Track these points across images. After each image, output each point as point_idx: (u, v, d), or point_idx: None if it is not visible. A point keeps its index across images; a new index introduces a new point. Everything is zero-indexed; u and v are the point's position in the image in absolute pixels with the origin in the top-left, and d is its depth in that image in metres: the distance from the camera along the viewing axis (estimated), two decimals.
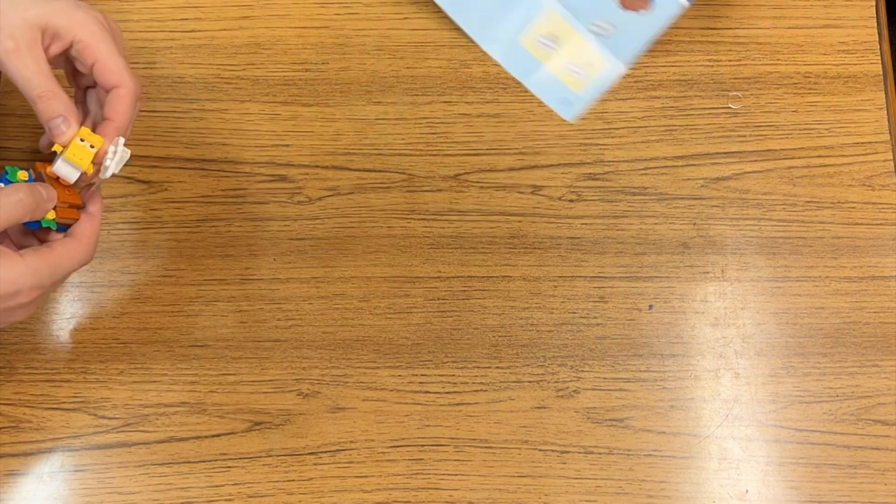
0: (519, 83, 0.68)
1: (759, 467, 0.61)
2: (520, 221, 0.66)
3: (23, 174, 0.54)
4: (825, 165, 0.67)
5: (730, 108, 0.68)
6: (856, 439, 0.62)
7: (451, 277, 0.65)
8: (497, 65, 0.69)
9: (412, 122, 0.68)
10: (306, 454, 0.61)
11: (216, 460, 0.61)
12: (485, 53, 0.69)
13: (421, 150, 0.67)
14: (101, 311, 0.64)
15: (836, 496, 0.61)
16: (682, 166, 0.67)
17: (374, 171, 0.67)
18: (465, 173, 0.67)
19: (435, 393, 0.63)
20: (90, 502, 0.60)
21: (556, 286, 0.64)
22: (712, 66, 0.69)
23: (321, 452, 0.62)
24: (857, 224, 0.65)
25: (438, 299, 0.64)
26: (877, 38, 0.69)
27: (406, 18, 0.70)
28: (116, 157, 0.54)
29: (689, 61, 0.69)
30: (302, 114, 0.68)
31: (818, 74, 0.68)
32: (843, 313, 0.64)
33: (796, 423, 0.62)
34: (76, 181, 0.54)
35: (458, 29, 0.69)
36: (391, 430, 0.62)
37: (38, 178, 0.54)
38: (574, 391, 0.62)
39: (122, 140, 0.54)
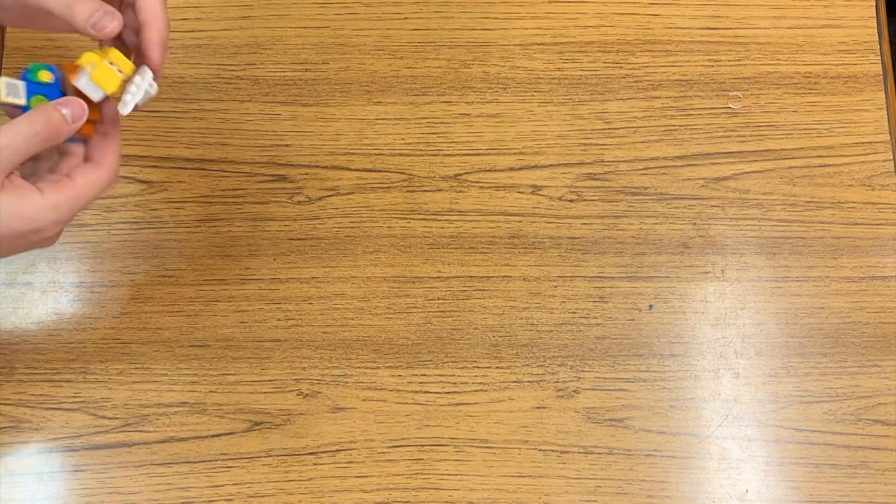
0: (519, 83, 0.68)
1: (759, 467, 0.61)
2: (520, 221, 0.66)
3: (46, 75, 0.49)
4: (825, 165, 0.67)
5: (730, 108, 0.68)
6: (856, 439, 0.62)
7: (451, 277, 0.65)
8: (497, 64, 0.69)
9: (412, 122, 0.68)
10: (306, 454, 0.61)
11: (216, 460, 0.61)
12: (485, 53, 0.69)
13: (421, 150, 0.67)
14: (101, 311, 0.64)
15: (836, 496, 0.61)
16: (682, 166, 0.67)
17: (374, 171, 0.67)
18: (465, 173, 0.67)
19: (435, 393, 0.63)
20: (90, 502, 0.60)
21: (556, 286, 0.64)
22: (712, 66, 0.69)
23: (321, 452, 0.62)
24: (857, 224, 0.65)
25: (438, 299, 0.64)
26: (877, 38, 0.69)
27: (406, 18, 0.70)
28: (142, 90, 0.50)
29: (689, 61, 0.69)
30: (302, 114, 0.68)
31: (818, 74, 0.68)
32: (843, 313, 0.64)
33: (796, 423, 0.62)
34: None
35: (458, 29, 0.69)
36: (391, 430, 0.62)
37: (62, 79, 0.50)
38: (574, 391, 0.62)
39: (149, 73, 0.50)
